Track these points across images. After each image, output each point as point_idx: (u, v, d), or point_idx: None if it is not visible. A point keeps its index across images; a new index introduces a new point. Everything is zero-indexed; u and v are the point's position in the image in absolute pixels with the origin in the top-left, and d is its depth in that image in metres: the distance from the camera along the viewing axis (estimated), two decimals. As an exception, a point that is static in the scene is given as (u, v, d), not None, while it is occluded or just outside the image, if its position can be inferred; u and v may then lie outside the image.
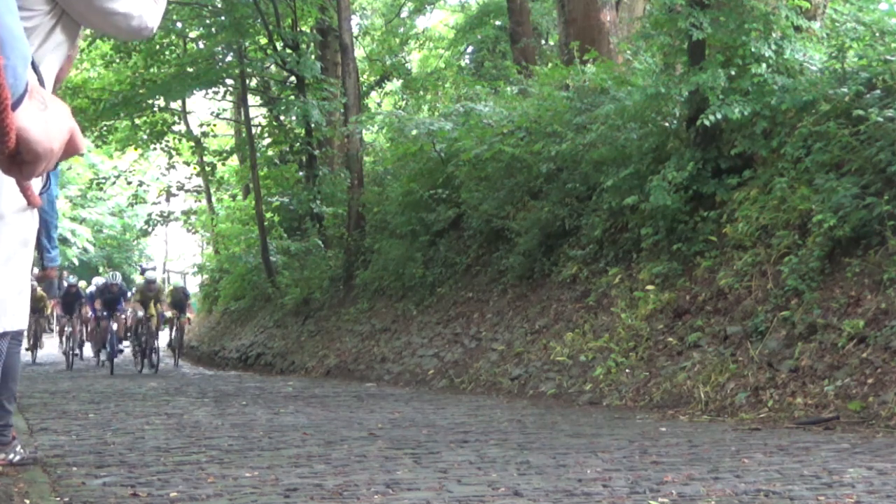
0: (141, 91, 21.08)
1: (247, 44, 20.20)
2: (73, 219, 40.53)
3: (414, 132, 14.31)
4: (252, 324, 19.78)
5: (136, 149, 25.86)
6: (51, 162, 1.35)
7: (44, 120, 1.30)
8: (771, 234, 8.17)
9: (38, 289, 17.07)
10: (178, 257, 45.90)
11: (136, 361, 16.09)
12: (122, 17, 1.65)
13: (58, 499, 3.73)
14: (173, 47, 22.26)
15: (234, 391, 10.39)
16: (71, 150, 1.39)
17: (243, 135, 23.44)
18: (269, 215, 20.97)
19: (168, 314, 16.83)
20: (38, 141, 1.29)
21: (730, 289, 8.18)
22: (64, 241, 37.54)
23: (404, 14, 28.05)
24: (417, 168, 14.83)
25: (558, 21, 15.40)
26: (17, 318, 1.67)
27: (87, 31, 1.97)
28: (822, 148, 7.90)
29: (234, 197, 27.94)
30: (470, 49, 25.96)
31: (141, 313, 15.87)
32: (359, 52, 24.81)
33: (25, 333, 15.48)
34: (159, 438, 5.88)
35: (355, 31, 24.43)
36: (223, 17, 19.95)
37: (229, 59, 20.96)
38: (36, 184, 1.62)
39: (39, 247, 5.28)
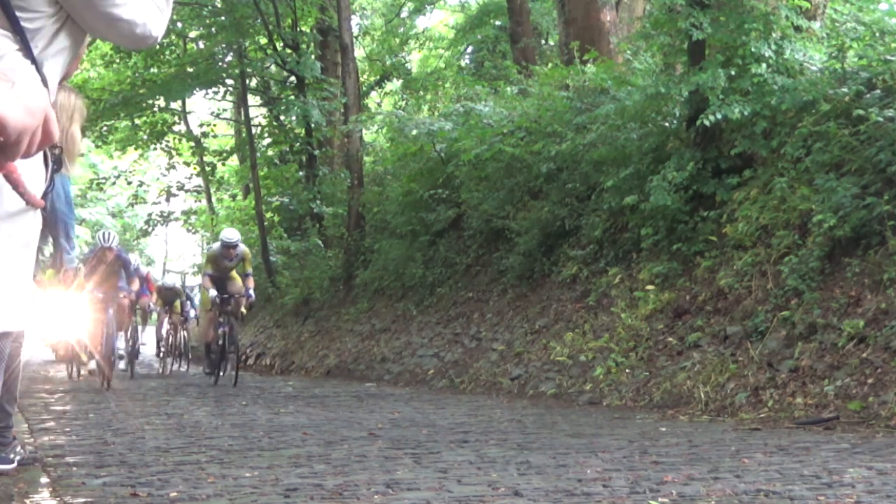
0: (141, 91, 21.08)
1: (247, 44, 20.19)
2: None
3: (414, 132, 14.32)
4: (252, 324, 19.78)
5: (136, 149, 25.86)
6: (29, 143, 1.30)
7: (15, 96, 1.27)
8: (771, 234, 8.17)
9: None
10: (178, 257, 45.91)
11: (210, 368, 11.91)
12: (126, 24, 1.63)
13: (58, 499, 3.73)
14: (173, 47, 22.26)
15: (233, 391, 10.39)
16: (45, 138, 1.36)
17: (243, 135, 23.45)
18: (269, 215, 20.97)
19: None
20: (9, 119, 1.25)
21: (730, 289, 8.18)
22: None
23: (404, 14, 28.04)
24: (417, 168, 14.83)
25: (558, 21, 15.40)
26: (18, 318, 1.67)
27: None
28: (822, 148, 7.90)
29: (234, 197, 27.93)
30: (470, 49, 25.94)
31: (214, 293, 11.24)
32: (359, 52, 24.81)
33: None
34: (159, 438, 5.88)
35: (355, 31, 24.43)
36: (223, 17, 19.96)
37: (229, 59, 20.96)
38: (37, 185, 1.62)
39: (58, 248, 5.26)
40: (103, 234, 10.92)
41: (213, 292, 11.18)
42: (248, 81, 20.72)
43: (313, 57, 19.62)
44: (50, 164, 1.67)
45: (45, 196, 1.64)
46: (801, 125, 8.29)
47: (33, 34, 1.56)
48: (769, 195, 8.37)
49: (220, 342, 11.28)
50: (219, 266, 11.42)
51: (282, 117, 21.21)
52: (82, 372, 13.10)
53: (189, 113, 26.57)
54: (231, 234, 11.55)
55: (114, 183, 27.60)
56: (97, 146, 25.83)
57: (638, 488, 3.86)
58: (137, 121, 23.68)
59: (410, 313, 13.36)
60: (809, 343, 6.97)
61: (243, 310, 11.72)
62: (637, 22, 14.35)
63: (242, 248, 11.60)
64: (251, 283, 11.32)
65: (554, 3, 16.85)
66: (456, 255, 13.36)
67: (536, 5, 20.16)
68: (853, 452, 4.84)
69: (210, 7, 20.56)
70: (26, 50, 1.55)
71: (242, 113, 22.18)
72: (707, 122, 8.58)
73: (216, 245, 11.60)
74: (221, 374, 11.53)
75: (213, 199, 27.74)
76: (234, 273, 11.64)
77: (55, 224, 5.02)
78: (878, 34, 9.04)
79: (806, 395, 6.56)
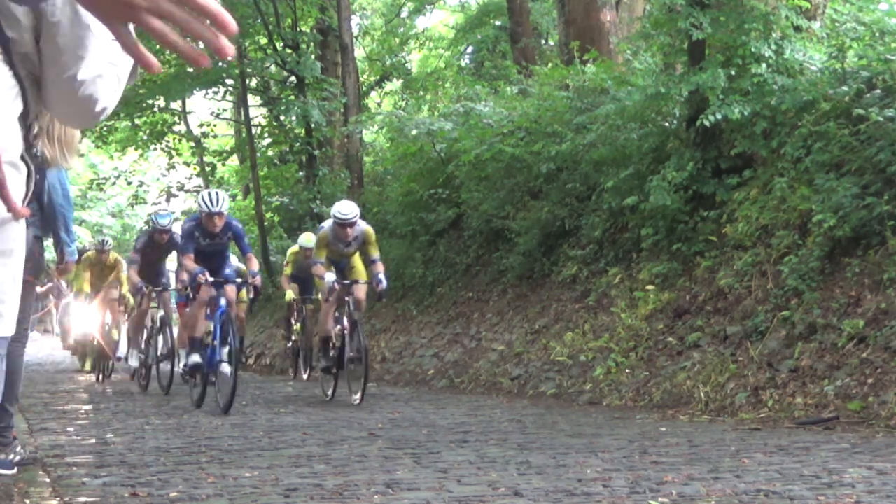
0: (141, 91, 21.05)
1: (247, 44, 20.19)
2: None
3: (414, 132, 14.32)
4: (252, 324, 19.76)
5: (136, 149, 25.86)
6: None
7: None
8: (771, 234, 8.16)
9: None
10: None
11: (324, 378, 9.09)
12: (86, 102, 1.58)
13: (58, 499, 3.73)
14: (173, 47, 22.25)
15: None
16: None
17: (243, 135, 23.45)
18: (269, 215, 20.96)
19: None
20: None
21: (730, 289, 8.18)
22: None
23: (404, 14, 28.03)
24: (417, 168, 14.83)
25: (558, 21, 15.40)
26: (2, 325, 1.66)
27: None
28: (822, 148, 7.90)
29: (234, 197, 27.92)
30: (470, 49, 25.94)
31: (331, 278, 8.49)
32: (359, 52, 24.81)
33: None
34: (159, 438, 5.88)
35: (355, 31, 24.44)
36: (223, 17, 19.91)
37: (229, 59, 20.94)
38: (17, 192, 1.61)
39: (58, 241, 5.27)
40: (210, 194, 8.21)
41: (329, 277, 8.47)
42: (248, 81, 20.72)
43: (313, 57, 19.61)
44: (30, 169, 1.65)
45: (28, 204, 1.62)
46: (801, 125, 8.28)
47: (13, 42, 1.56)
48: (769, 195, 8.37)
49: (338, 344, 8.60)
50: (333, 252, 8.78)
51: (282, 117, 21.21)
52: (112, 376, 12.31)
53: (189, 113, 26.56)
54: (347, 207, 8.59)
55: (114, 183, 27.59)
56: (97, 146, 25.82)
57: (638, 488, 3.86)
58: (137, 121, 23.65)
59: (410, 313, 13.36)
60: (809, 343, 6.97)
61: (372, 289, 8.75)
62: (637, 22, 14.35)
63: (363, 226, 8.79)
64: (381, 268, 8.70)
65: (554, 3, 16.85)
66: (456, 255, 13.36)
67: (536, 5, 20.15)
68: (853, 452, 4.84)
69: (210, 7, 20.52)
70: (6, 54, 1.54)
71: (242, 113, 22.17)
72: (707, 122, 8.58)
73: (327, 224, 8.76)
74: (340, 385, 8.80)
75: (213, 199, 27.70)
76: (355, 260, 9.12)
77: (54, 218, 5.04)
78: (878, 34, 9.03)
79: (806, 395, 6.56)
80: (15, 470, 4.33)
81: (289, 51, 19.12)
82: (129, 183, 27.73)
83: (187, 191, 26.95)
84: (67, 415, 7.57)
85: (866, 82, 8.06)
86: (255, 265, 8.69)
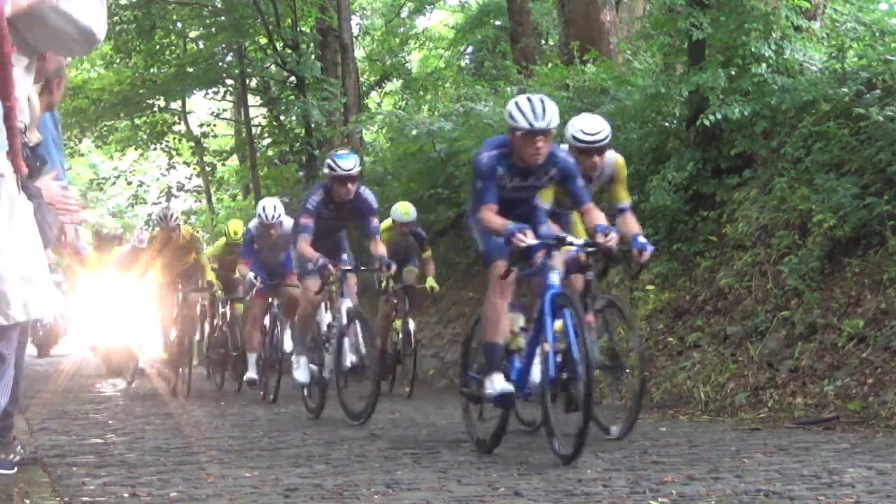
0: (141, 91, 21.09)
1: (247, 44, 20.20)
2: (73, 219, 40.41)
3: (414, 132, 14.31)
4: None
5: (136, 149, 25.85)
6: None
7: None
8: (771, 234, 8.16)
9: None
10: (178, 257, 45.79)
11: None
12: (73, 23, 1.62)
13: (58, 499, 3.73)
14: (173, 47, 22.25)
15: (234, 391, 10.38)
16: None
17: (243, 135, 23.46)
18: (269, 215, 20.93)
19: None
20: None
21: (730, 289, 8.18)
22: (64, 241, 37.39)
23: (404, 14, 28.02)
24: (417, 168, 14.82)
25: (558, 21, 15.39)
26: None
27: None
28: (822, 148, 7.90)
29: (234, 197, 27.93)
30: (470, 49, 25.92)
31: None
32: (359, 52, 24.80)
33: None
34: (159, 438, 5.88)
35: (355, 31, 24.42)
36: (223, 17, 19.97)
37: (229, 59, 20.97)
38: None
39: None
40: (530, 100, 5.58)
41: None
42: (248, 81, 20.73)
43: (313, 57, 19.62)
44: None
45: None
46: (801, 125, 8.28)
47: None
48: (769, 195, 8.37)
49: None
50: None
51: (282, 117, 21.21)
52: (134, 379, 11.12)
53: (189, 113, 26.56)
54: (593, 123, 5.84)
55: (114, 183, 27.60)
56: (97, 146, 25.82)
57: (638, 488, 3.86)
58: (137, 121, 23.67)
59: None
60: (809, 343, 6.97)
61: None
62: (637, 22, 14.34)
63: (613, 154, 5.95)
64: (635, 223, 5.85)
65: (554, 3, 16.84)
66: (456, 255, 13.35)
67: (536, 5, 20.13)
68: (853, 452, 4.84)
69: (210, 7, 20.57)
70: None
71: (242, 113, 22.20)
72: (707, 122, 8.58)
73: (563, 150, 5.69)
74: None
75: (213, 199, 27.73)
76: (575, 214, 6.07)
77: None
78: (878, 34, 9.03)
79: (806, 395, 6.56)
80: (15, 470, 4.33)
81: (289, 51, 19.12)
82: (129, 183, 27.73)
83: (187, 191, 26.95)
84: (67, 415, 7.57)
85: (866, 82, 8.05)
86: (382, 248, 6.34)
